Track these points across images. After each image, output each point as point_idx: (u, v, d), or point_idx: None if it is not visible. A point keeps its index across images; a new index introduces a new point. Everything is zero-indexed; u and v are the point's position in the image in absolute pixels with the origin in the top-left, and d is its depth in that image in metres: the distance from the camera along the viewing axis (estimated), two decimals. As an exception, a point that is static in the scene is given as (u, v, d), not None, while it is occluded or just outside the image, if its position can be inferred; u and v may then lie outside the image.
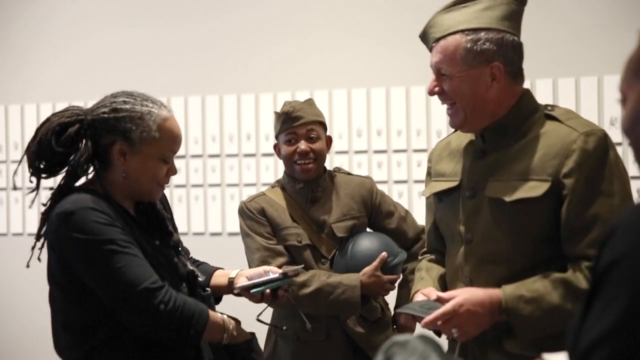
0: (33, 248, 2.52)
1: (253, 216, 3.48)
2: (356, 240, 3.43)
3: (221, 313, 2.54)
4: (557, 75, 4.74)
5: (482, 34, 2.41)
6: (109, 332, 2.43)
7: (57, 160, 2.49)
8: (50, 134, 2.48)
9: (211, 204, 5.29)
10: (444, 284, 2.60)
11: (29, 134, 5.54)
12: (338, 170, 3.63)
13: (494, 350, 2.44)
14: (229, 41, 5.30)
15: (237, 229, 5.17)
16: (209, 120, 5.32)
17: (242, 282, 2.68)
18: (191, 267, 2.59)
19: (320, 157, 3.48)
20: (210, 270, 2.75)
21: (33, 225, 5.58)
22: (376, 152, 5.04)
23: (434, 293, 2.48)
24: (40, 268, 5.74)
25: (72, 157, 2.48)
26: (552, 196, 2.36)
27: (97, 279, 2.39)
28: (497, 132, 2.46)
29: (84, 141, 2.48)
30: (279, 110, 3.64)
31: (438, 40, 2.45)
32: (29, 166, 2.52)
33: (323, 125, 3.53)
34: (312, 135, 3.48)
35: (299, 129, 3.48)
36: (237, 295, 2.71)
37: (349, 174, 3.63)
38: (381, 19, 5.01)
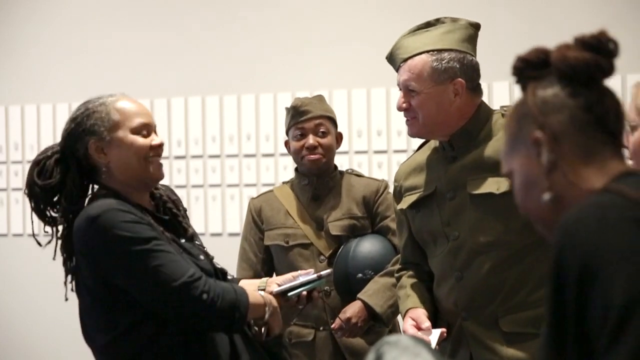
0: (66, 271, 2.55)
1: (251, 218, 3.60)
2: (360, 241, 3.46)
3: None
4: (557, 75, 4.73)
5: (446, 54, 2.65)
6: (145, 336, 2.44)
7: (52, 195, 2.54)
8: (31, 176, 2.54)
9: (211, 205, 5.30)
10: (429, 298, 2.78)
11: (29, 134, 5.60)
12: (351, 171, 3.65)
13: (490, 329, 2.63)
14: (229, 41, 5.30)
15: (237, 230, 5.19)
16: (209, 120, 5.32)
17: (274, 288, 2.75)
18: (220, 266, 2.63)
19: (328, 152, 3.52)
20: (235, 279, 2.81)
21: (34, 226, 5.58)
22: (376, 152, 5.05)
23: (423, 317, 2.66)
24: (41, 269, 5.70)
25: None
26: None
27: (133, 280, 2.40)
28: (463, 138, 2.69)
29: (68, 166, 2.53)
30: (285, 107, 3.66)
31: (405, 60, 2.68)
32: (38, 216, 2.57)
33: (332, 120, 3.57)
34: (321, 130, 3.51)
35: (307, 124, 3.51)
36: None
37: (360, 175, 3.65)
38: (381, 19, 5.02)
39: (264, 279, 2.85)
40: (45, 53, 5.61)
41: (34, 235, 2.60)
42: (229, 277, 2.64)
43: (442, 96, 2.65)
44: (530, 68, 1.56)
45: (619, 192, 1.44)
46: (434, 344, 2.59)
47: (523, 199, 1.56)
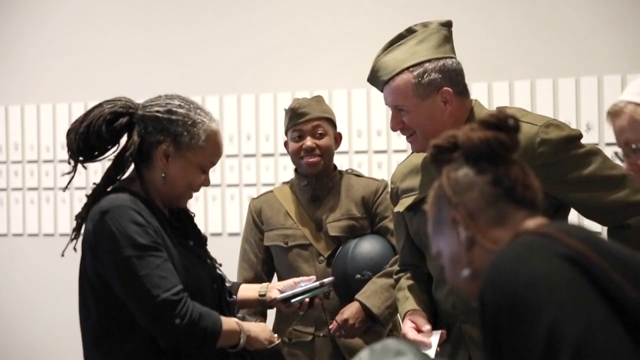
0: (70, 241, 2.54)
1: (251, 219, 3.61)
2: (359, 242, 3.46)
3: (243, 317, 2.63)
4: (557, 75, 4.74)
5: (426, 65, 2.62)
6: (138, 337, 2.44)
7: (100, 147, 2.51)
8: (102, 120, 2.48)
9: (211, 205, 5.30)
10: (428, 300, 2.77)
11: (29, 134, 5.60)
12: (351, 171, 3.65)
13: None
14: (229, 41, 5.30)
15: (237, 230, 5.19)
16: (209, 120, 5.31)
17: (276, 294, 2.79)
18: (220, 272, 2.63)
19: (327, 153, 3.52)
20: (236, 284, 2.83)
21: (33, 226, 5.58)
22: (376, 152, 5.05)
23: (422, 321, 2.66)
24: (41, 269, 5.69)
25: (113, 149, 2.52)
26: None
27: (119, 282, 2.40)
28: None
29: (133, 134, 2.49)
30: (284, 109, 3.67)
31: (387, 82, 2.65)
32: (69, 148, 2.51)
33: (331, 121, 3.57)
34: (318, 132, 3.52)
35: (304, 125, 3.51)
36: (270, 307, 2.85)
37: (360, 175, 3.65)
38: (381, 19, 5.01)
39: (265, 285, 2.87)
40: (45, 53, 5.62)
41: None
42: (227, 285, 2.64)
43: (433, 108, 2.62)
44: (442, 153, 1.66)
45: (527, 232, 1.55)
46: (435, 346, 2.59)
47: (451, 276, 1.66)
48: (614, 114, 2.04)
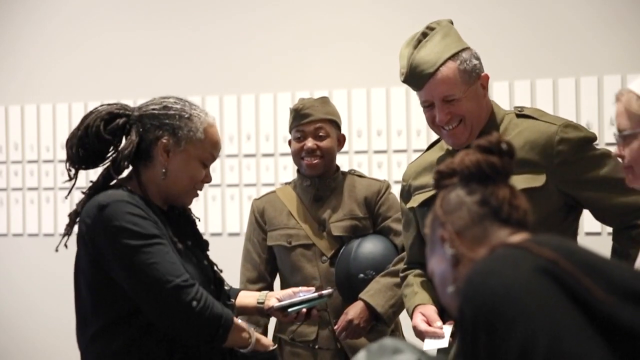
0: (64, 236, 2.57)
1: (254, 219, 3.63)
2: (361, 242, 3.48)
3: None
4: (557, 75, 4.74)
5: (461, 54, 2.67)
6: (133, 331, 2.44)
7: (100, 150, 2.53)
8: (99, 121, 2.52)
9: (211, 205, 5.30)
10: (436, 297, 2.74)
11: (29, 134, 5.61)
12: (353, 172, 3.67)
13: None
14: (229, 42, 5.30)
15: (237, 230, 5.20)
16: (209, 120, 5.31)
17: (274, 302, 2.80)
18: (219, 275, 2.63)
19: (328, 154, 3.54)
20: (235, 290, 2.84)
21: (33, 225, 5.59)
22: (376, 152, 5.05)
23: (434, 315, 2.66)
24: (41, 269, 5.69)
25: (112, 151, 2.54)
26: (549, 183, 2.62)
27: (127, 273, 2.40)
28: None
29: (131, 134, 2.52)
30: (289, 108, 3.70)
31: (432, 74, 2.65)
32: (69, 155, 2.54)
33: (334, 123, 3.58)
34: (320, 134, 3.53)
35: (307, 127, 3.53)
36: (267, 316, 2.87)
37: (362, 176, 3.67)
38: (381, 19, 5.02)
39: (264, 293, 2.89)
40: (45, 53, 5.62)
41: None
42: (225, 288, 2.64)
43: (477, 94, 2.68)
44: (443, 179, 1.72)
45: (502, 245, 1.59)
46: (447, 336, 2.60)
47: (441, 294, 1.71)
48: (616, 99, 2.12)
